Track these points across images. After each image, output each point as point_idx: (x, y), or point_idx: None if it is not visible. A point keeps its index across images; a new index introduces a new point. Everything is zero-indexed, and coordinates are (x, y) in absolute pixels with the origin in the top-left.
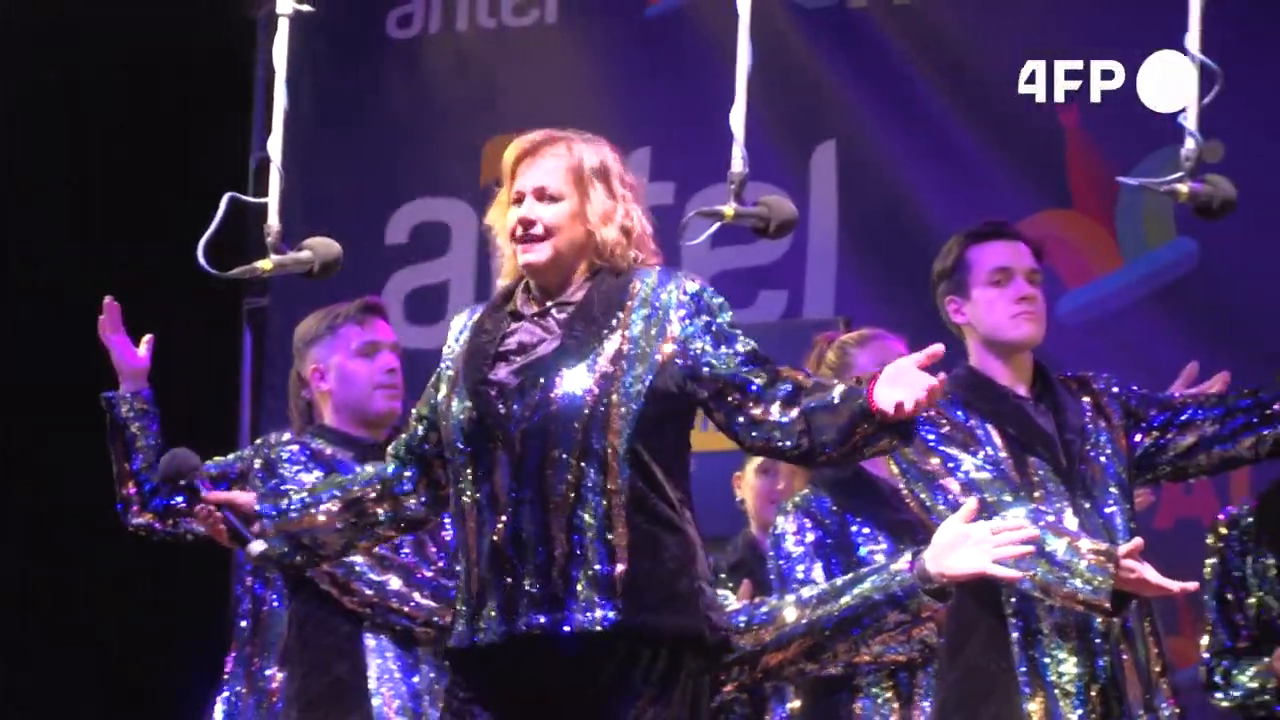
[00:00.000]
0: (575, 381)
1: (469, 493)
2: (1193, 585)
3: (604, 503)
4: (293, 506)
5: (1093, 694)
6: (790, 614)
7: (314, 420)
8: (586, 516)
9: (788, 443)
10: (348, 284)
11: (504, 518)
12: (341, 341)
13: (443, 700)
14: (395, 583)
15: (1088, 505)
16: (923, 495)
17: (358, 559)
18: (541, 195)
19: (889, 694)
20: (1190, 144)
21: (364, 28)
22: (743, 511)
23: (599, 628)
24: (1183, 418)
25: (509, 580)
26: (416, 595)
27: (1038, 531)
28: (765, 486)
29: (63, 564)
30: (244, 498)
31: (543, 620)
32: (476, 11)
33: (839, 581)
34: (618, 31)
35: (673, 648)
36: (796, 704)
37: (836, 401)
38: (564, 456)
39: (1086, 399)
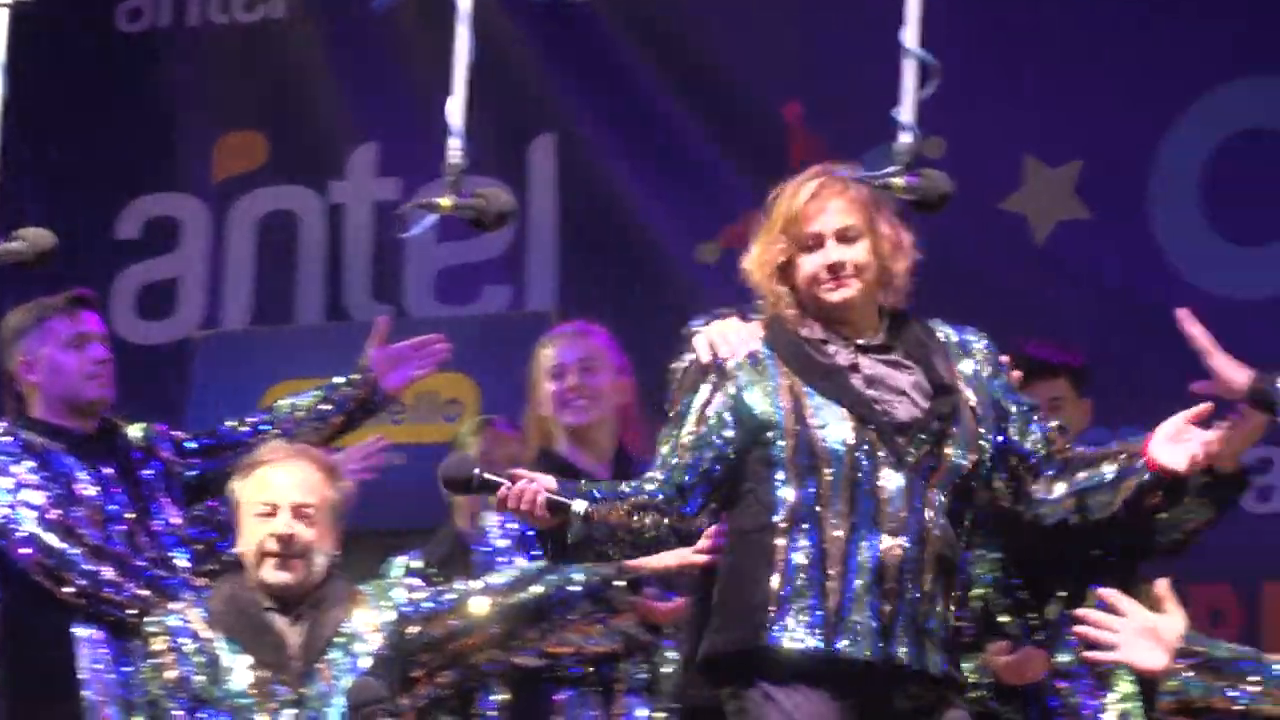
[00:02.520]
0: (959, 437)
1: (838, 510)
2: None
3: (953, 552)
4: (602, 495)
5: None
6: (480, 601)
7: (24, 413)
8: (947, 562)
9: (1052, 519)
10: (77, 278)
11: (901, 538)
12: (50, 334)
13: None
14: (109, 572)
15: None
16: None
17: (72, 548)
18: (843, 237)
19: (592, 685)
20: (907, 138)
21: (94, 21)
22: (448, 504)
23: (936, 672)
24: None
25: (886, 607)
26: (131, 585)
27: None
28: None
29: None
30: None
31: (910, 652)
32: (208, 6)
33: (532, 569)
34: (345, 25)
35: (948, 689)
36: (504, 695)
37: (1113, 478)
38: (942, 497)
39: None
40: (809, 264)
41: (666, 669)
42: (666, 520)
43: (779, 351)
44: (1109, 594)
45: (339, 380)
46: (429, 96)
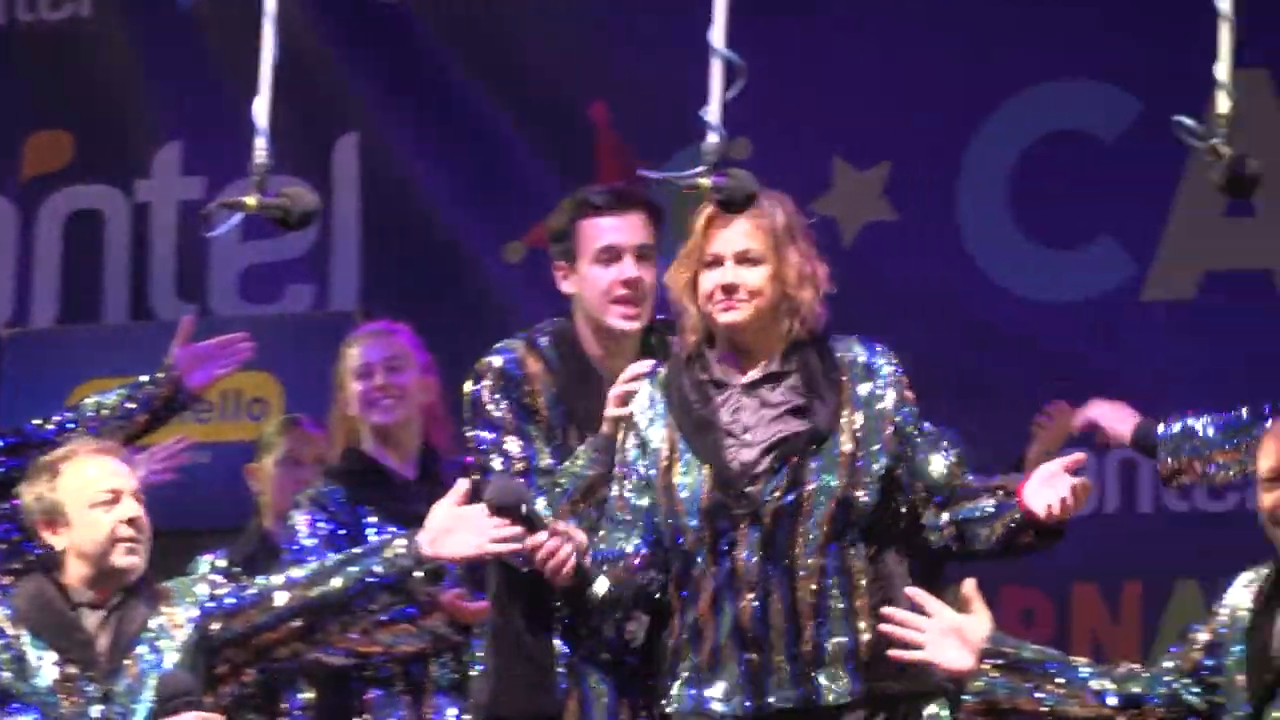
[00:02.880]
0: (825, 462)
1: (702, 568)
2: None
3: (848, 576)
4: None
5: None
6: (281, 595)
7: None
8: (833, 591)
9: (937, 544)
10: None
11: (750, 595)
12: None
13: None
14: None
15: None
16: (492, 464)
17: None
18: (743, 258)
19: (401, 685)
20: (713, 138)
21: None
22: (254, 502)
23: (848, 698)
24: None
25: (754, 656)
26: None
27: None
28: (284, 478)
29: None
30: (581, 536)
31: (794, 694)
32: (15, 4)
33: (331, 561)
34: (151, 25)
35: (910, 705)
36: (310, 694)
37: (991, 513)
38: (813, 534)
39: None
40: (706, 282)
41: (476, 669)
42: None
43: (669, 396)
44: (915, 594)
45: (144, 379)
46: (235, 96)
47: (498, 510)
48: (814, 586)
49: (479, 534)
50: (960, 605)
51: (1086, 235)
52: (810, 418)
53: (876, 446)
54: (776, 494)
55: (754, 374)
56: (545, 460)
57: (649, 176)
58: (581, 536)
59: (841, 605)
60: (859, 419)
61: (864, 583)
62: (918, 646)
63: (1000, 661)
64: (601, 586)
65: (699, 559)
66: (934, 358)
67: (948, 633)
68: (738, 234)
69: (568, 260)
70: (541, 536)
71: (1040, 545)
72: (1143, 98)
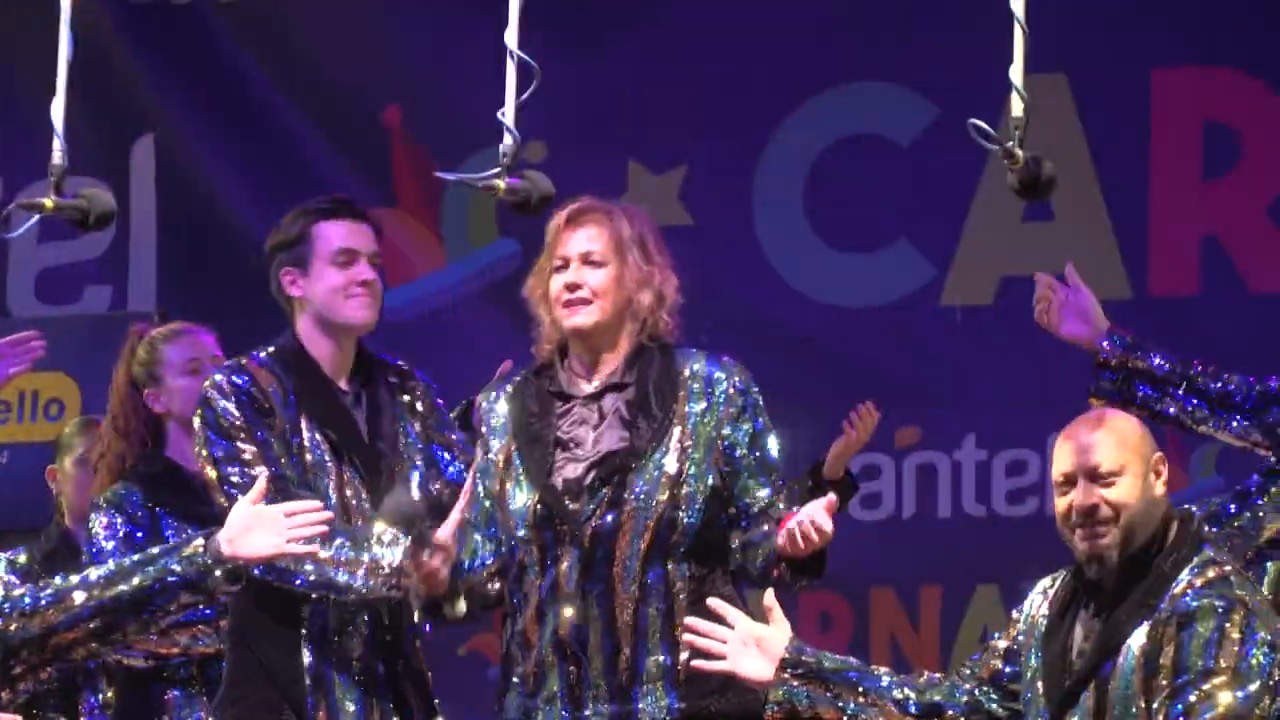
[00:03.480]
0: (646, 480)
1: (531, 580)
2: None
3: (669, 596)
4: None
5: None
6: (78, 595)
7: None
8: (652, 610)
9: (733, 565)
10: None
11: (569, 610)
12: None
13: None
14: None
15: None
16: (230, 476)
17: None
18: (586, 260)
19: (199, 685)
20: (508, 140)
21: None
22: (55, 500)
23: (666, 716)
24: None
25: (573, 669)
26: None
27: (331, 514)
28: (83, 478)
29: None
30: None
31: (610, 710)
32: None
33: (128, 561)
34: None
35: None
36: (110, 693)
37: (759, 539)
38: (632, 553)
39: (403, 396)
40: (554, 284)
41: None
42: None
43: (512, 409)
44: (716, 604)
45: None
46: (31, 97)
47: (396, 521)
48: (632, 605)
49: (278, 533)
50: (760, 615)
51: (884, 240)
52: (632, 435)
53: (703, 466)
54: (597, 512)
55: (595, 384)
56: (285, 469)
57: (445, 178)
58: (453, 550)
59: (660, 624)
60: (688, 437)
61: (686, 602)
62: (719, 657)
63: (800, 671)
64: (461, 608)
65: (530, 569)
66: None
67: (749, 643)
68: (582, 237)
69: (299, 266)
70: (425, 555)
71: (793, 583)
72: (938, 102)
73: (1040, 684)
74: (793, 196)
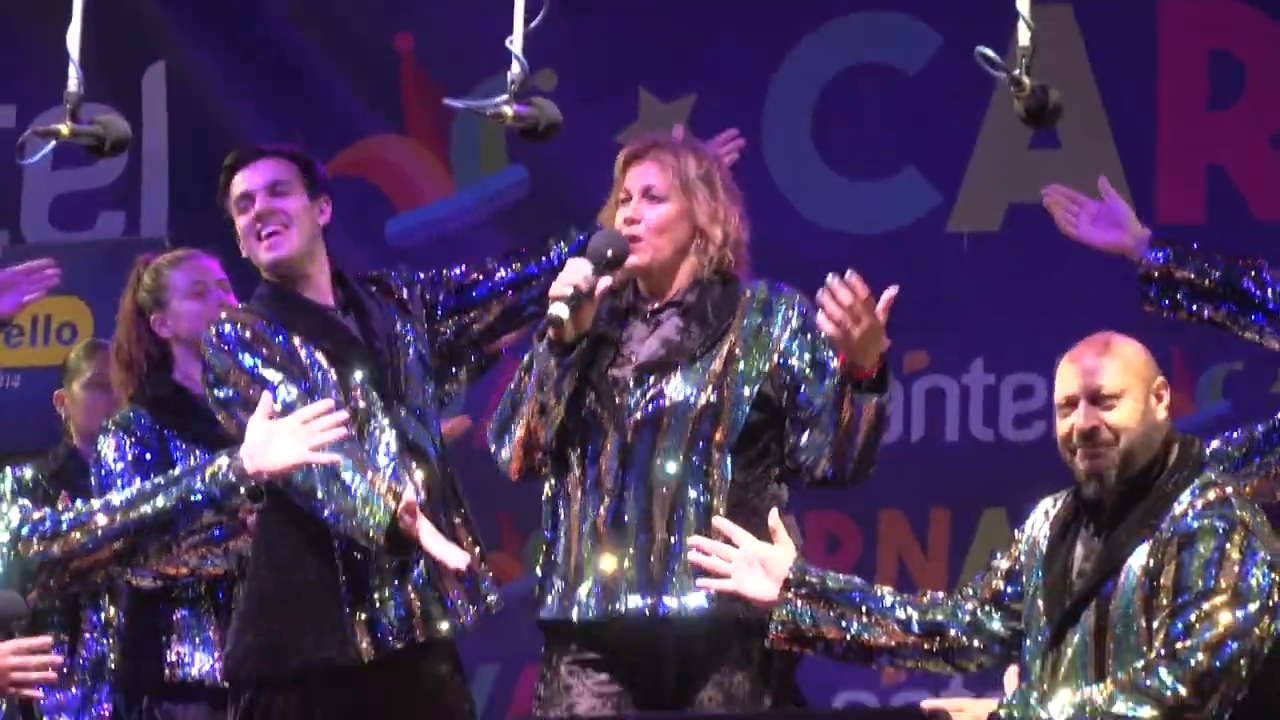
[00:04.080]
0: (689, 379)
1: (575, 474)
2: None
3: (708, 492)
4: None
5: (412, 596)
6: (101, 519)
7: None
8: (689, 506)
9: (805, 461)
10: None
11: (607, 500)
12: None
13: (543, 668)
14: None
15: (404, 412)
16: (246, 421)
17: None
18: (646, 194)
19: (207, 605)
20: (516, 68)
21: None
22: (64, 422)
23: (693, 615)
24: (475, 295)
25: (608, 564)
26: None
27: (345, 414)
28: (91, 401)
29: None
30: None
31: (640, 603)
32: None
33: (149, 484)
34: None
35: (760, 633)
36: (111, 612)
37: (820, 409)
38: (671, 448)
39: (389, 299)
40: (618, 217)
41: None
42: None
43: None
44: (722, 524)
45: None
46: (40, 25)
47: (590, 256)
48: (670, 499)
49: (299, 440)
50: (766, 535)
51: (892, 167)
52: (684, 338)
53: (753, 372)
54: (641, 404)
55: (657, 304)
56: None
57: (453, 105)
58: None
59: (696, 519)
60: (739, 345)
61: (724, 502)
62: (724, 576)
63: (804, 591)
64: (560, 310)
65: (573, 467)
66: None
67: (753, 562)
68: (646, 172)
69: (232, 221)
70: (607, 281)
71: (863, 396)
72: (944, 31)
73: (1041, 603)
74: (801, 124)
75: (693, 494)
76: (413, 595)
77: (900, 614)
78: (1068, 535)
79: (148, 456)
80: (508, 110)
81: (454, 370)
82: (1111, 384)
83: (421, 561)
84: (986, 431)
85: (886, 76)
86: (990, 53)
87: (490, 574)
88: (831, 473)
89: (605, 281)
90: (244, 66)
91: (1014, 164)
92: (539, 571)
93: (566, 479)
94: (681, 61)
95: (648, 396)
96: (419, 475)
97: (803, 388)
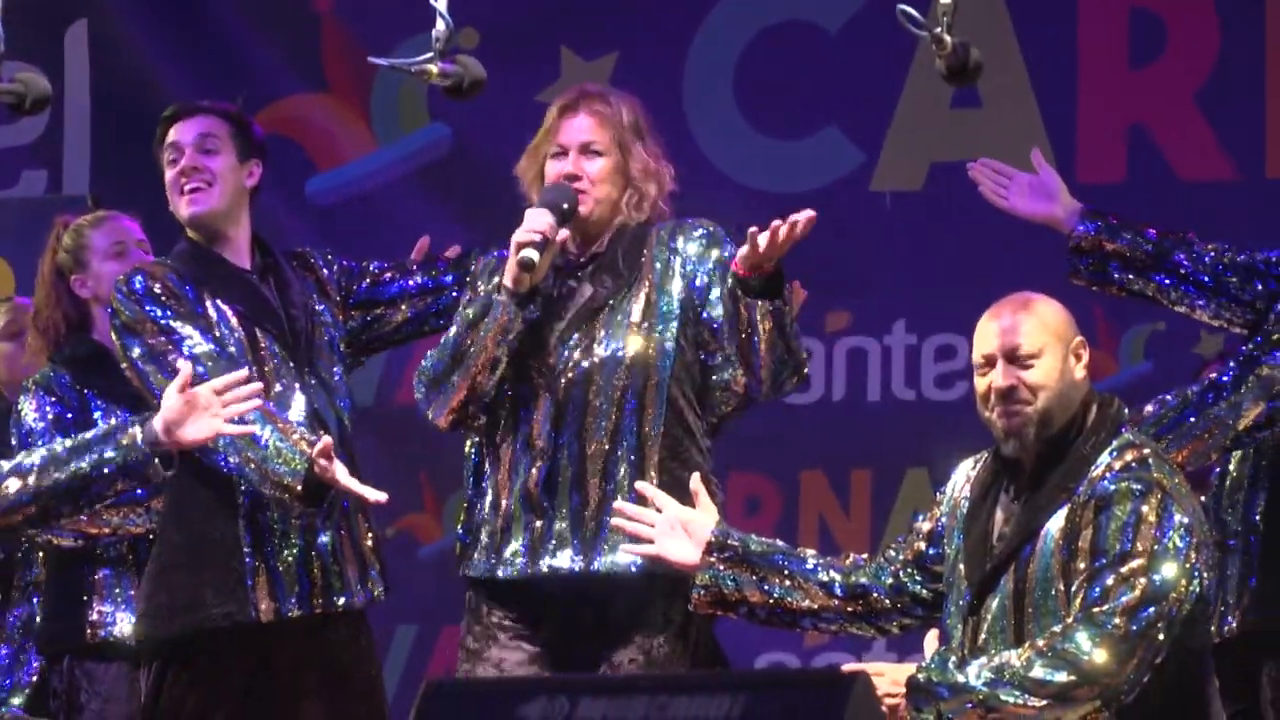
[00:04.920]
0: (614, 330)
1: (505, 431)
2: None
3: (639, 450)
4: None
5: (314, 570)
6: (12, 484)
7: None
8: (621, 464)
9: (720, 381)
10: None
11: (540, 462)
12: None
13: (466, 622)
14: None
15: (314, 381)
16: (150, 374)
17: None
18: (585, 149)
19: (129, 565)
20: (440, 25)
21: None
22: None
23: (632, 570)
24: (388, 292)
25: (539, 521)
26: None
27: (260, 385)
28: (14, 352)
29: None
30: None
31: (572, 560)
32: None
33: (61, 449)
34: None
35: (684, 595)
36: (42, 572)
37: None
38: (603, 405)
39: (309, 276)
40: (549, 169)
41: None
42: None
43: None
44: (643, 488)
45: None
46: None
47: (548, 206)
48: (602, 458)
49: (213, 413)
50: (687, 499)
51: (814, 126)
52: (597, 289)
53: (671, 315)
54: (569, 362)
55: (583, 259)
56: (204, 346)
57: (378, 63)
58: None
59: (629, 476)
60: (654, 290)
61: (657, 454)
62: (647, 541)
63: (726, 555)
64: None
65: (501, 424)
66: None
67: (675, 526)
68: (583, 126)
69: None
70: (565, 233)
71: (754, 301)
72: None
73: (962, 566)
74: (723, 83)
75: (626, 450)
76: (315, 566)
77: (823, 577)
78: (988, 498)
79: (69, 415)
80: (432, 68)
81: (356, 361)
82: (1029, 343)
83: (328, 532)
84: (908, 392)
85: (808, 35)
86: (912, 11)
87: (378, 566)
88: (751, 386)
89: (564, 233)
90: (166, 25)
91: (936, 123)
92: (460, 529)
93: (495, 436)
94: (604, 19)
95: (575, 354)
96: None
97: (706, 311)
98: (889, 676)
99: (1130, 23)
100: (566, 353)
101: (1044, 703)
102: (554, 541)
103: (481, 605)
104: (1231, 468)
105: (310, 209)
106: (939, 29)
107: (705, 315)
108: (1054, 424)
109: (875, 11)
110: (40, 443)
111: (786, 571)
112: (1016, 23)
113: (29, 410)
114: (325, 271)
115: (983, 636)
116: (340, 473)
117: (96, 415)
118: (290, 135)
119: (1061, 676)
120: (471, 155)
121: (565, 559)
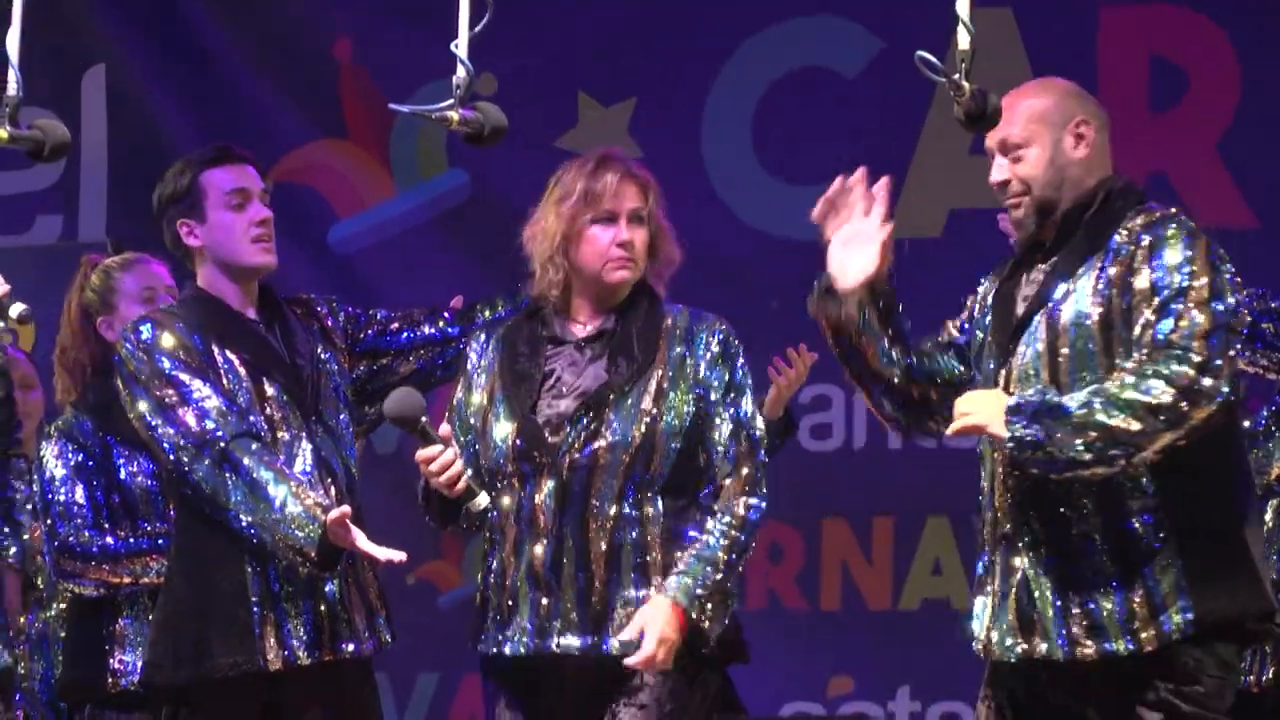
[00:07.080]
0: (623, 416)
1: (509, 514)
2: (399, 556)
3: (643, 530)
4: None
5: (322, 618)
6: None
7: None
8: (626, 544)
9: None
10: None
11: (544, 541)
12: None
13: (485, 697)
14: None
15: (321, 430)
16: (158, 426)
17: None
18: (634, 217)
19: (149, 612)
20: (461, 72)
21: None
22: None
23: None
24: (395, 342)
25: (545, 600)
26: None
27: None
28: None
29: None
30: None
31: (579, 641)
32: None
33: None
34: None
35: (697, 662)
36: (51, 613)
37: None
38: (607, 486)
39: (314, 323)
40: (601, 237)
41: None
42: None
43: (501, 348)
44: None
45: None
46: None
47: (397, 421)
48: (606, 538)
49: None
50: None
51: (831, 172)
52: (611, 373)
53: (682, 407)
54: (575, 445)
55: (589, 330)
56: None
57: (399, 110)
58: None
59: (633, 558)
60: (667, 379)
61: (659, 539)
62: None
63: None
64: (484, 499)
65: (506, 504)
66: (678, 294)
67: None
68: (632, 193)
69: (194, 216)
70: (436, 449)
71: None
72: (883, 35)
73: (990, 339)
74: (741, 129)
75: (629, 531)
76: (323, 612)
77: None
78: (1014, 277)
79: (90, 463)
80: (453, 115)
81: (361, 410)
82: (1017, 134)
83: (336, 580)
84: (930, 440)
85: (826, 81)
86: (930, 57)
87: (384, 613)
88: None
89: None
90: (184, 72)
91: (955, 169)
92: (477, 598)
93: (502, 518)
94: (622, 65)
95: (583, 435)
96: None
97: (710, 428)
98: (969, 399)
99: (1151, 69)
100: (574, 434)
101: (1142, 422)
102: (560, 622)
103: (493, 681)
104: (1269, 517)
105: (331, 256)
106: (957, 75)
107: (706, 436)
108: (1057, 207)
109: (893, 57)
110: (63, 490)
111: (900, 339)
112: (1036, 69)
113: (50, 456)
114: (330, 320)
115: (1013, 389)
116: (359, 538)
117: (119, 462)
118: (310, 184)
119: (1160, 392)
120: (490, 201)
121: (574, 639)
